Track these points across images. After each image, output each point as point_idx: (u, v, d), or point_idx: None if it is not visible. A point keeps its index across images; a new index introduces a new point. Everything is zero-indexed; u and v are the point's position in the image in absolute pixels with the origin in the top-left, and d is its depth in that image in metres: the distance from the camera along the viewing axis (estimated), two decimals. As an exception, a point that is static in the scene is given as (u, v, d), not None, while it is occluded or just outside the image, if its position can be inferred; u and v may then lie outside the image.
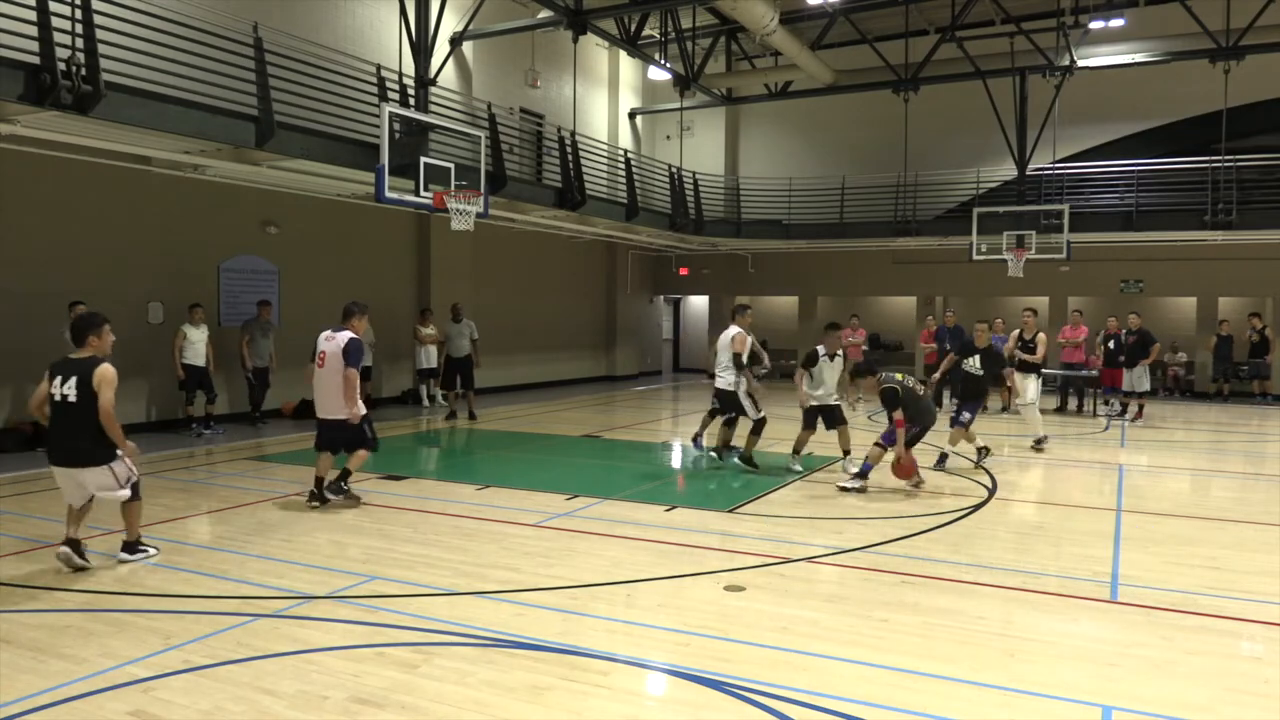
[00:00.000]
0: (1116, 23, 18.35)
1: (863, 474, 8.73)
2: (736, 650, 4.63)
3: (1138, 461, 10.99)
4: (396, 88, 12.71)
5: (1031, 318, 12.88)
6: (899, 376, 8.78)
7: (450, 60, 15.37)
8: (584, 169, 16.48)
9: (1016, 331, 12.83)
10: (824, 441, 11.22)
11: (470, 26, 15.01)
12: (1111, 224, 18.24)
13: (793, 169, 22.14)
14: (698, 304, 26.43)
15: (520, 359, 19.61)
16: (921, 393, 8.86)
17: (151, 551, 6.23)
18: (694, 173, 20.58)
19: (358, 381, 7.81)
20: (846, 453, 9.83)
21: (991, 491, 8.76)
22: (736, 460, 9.88)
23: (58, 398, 5.81)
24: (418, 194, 11.58)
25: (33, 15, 8.35)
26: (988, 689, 4.18)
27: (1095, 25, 17.91)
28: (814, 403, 9.79)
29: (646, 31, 18.62)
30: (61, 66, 8.32)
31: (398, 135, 11.56)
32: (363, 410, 7.93)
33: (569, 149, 15.93)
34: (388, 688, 4.13)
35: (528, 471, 9.96)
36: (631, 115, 23.05)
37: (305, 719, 3.85)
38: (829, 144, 22.61)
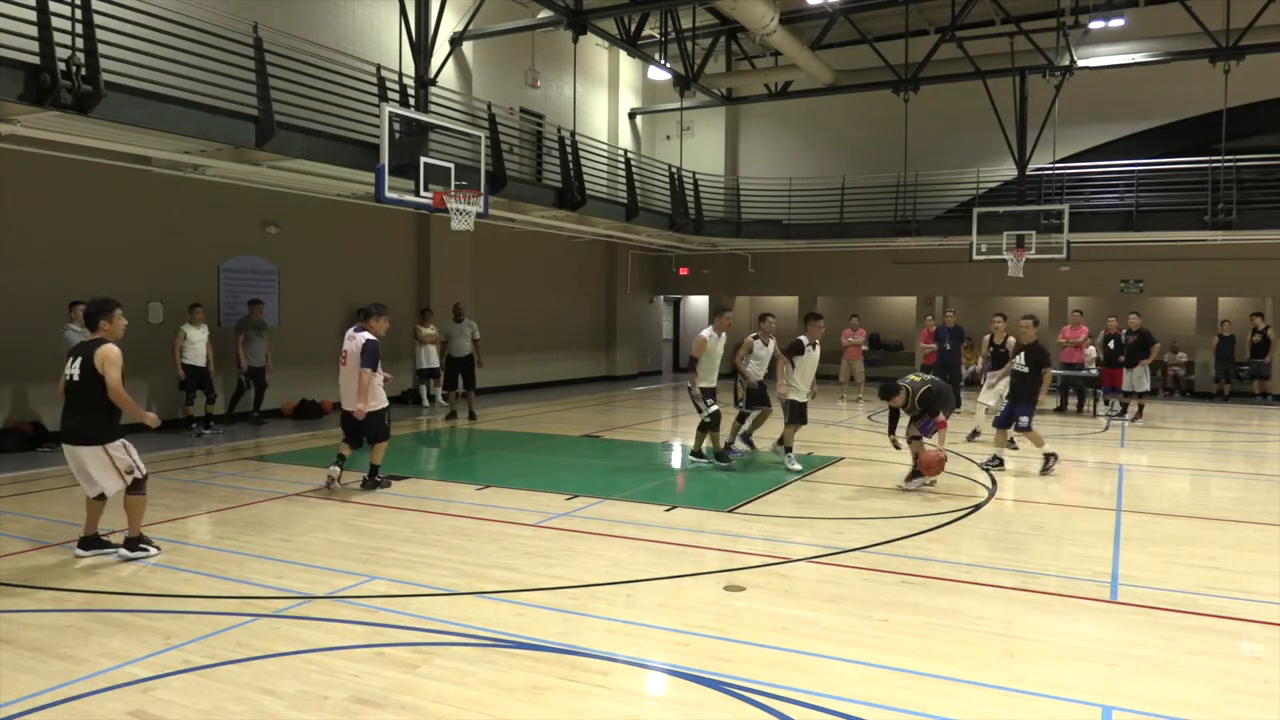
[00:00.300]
0: (1116, 23, 18.35)
1: (915, 474, 8.83)
2: (736, 650, 4.63)
3: (1138, 461, 10.99)
4: (396, 88, 12.71)
5: (1000, 323, 12.90)
6: (914, 378, 8.95)
7: (450, 60, 15.37)
8: (584, 169, 16.48)
9: (987, 337, 12.84)
10: (826, 442, 11.25)
11: (470, 26, 15.01)
12: (1111, 224, 18.24)
13: (793, 169, 22.14)
14: (698, 304, 26.42)
15: (520, 359, 19.61)
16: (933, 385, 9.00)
17: (153, 551, 6.23)
18: (694, 173, 20.58)
19: (370, 380, 8.40)
20: (789, 448, 10.00)
21: (991, 491, 8.77)
22: (712, 460, 10.09)
23: (67, 378, 6.03)
24: (418, 194, 11.58)
25: (33, 15, 8.35)
26: (988, 689, 4.18)
27: (1095, 25, 17.92)
28: (794, 396, 9.89)
29: (646, 31, 18.62)
30: (61, 66, 8.32)
31: (398, 135, 11.55)
32: (380, 404, 8.59)
33: (569, 149, 15.94)
34: (388, 688, 4.13)
35: (528, 471, 9.96)
36: (631, 115, 23.05)
37: (305, 719, 3.85)
38: (829, 144, 22.61)
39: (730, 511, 7.91)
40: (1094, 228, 18.19)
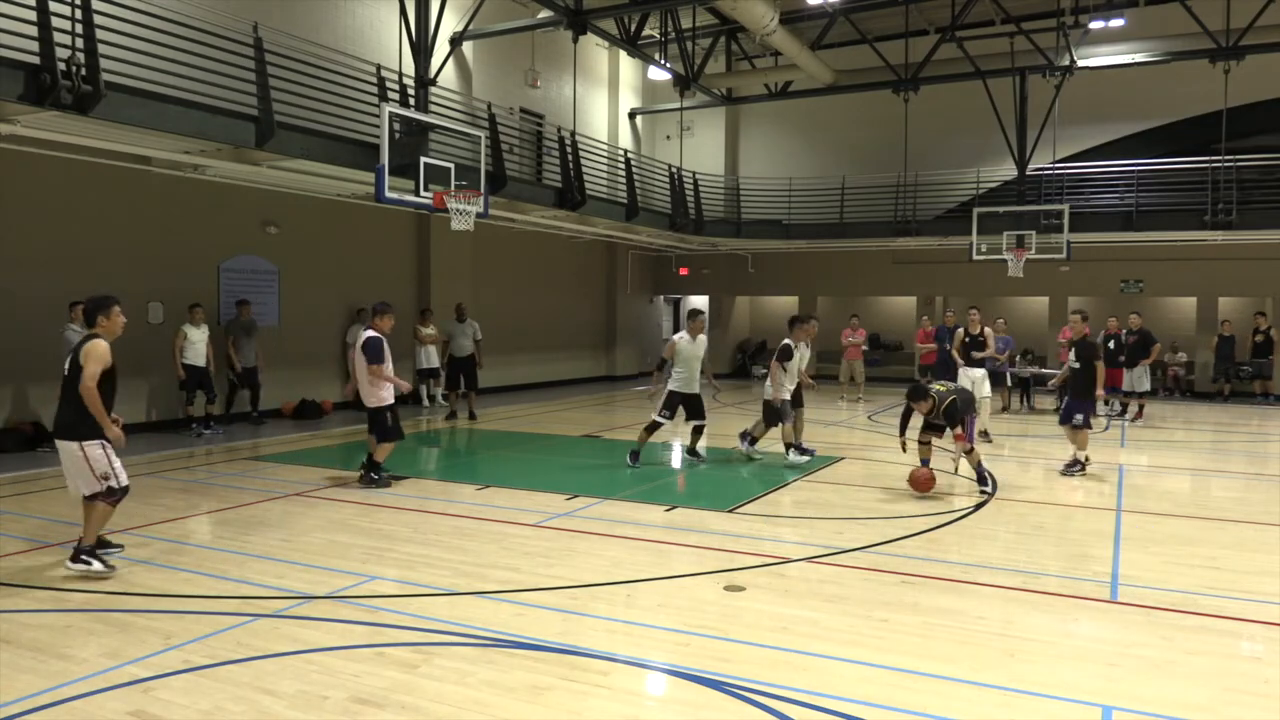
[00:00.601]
0: (1116, 23, 18.35)
1: (983, 478, 8.76)
2: (736, 650, 4.63)
3: (1138, 461, 10.99)
4: (396, 88, 12.71)
5: (976, 315, 12.93)
6: (940, 388, 8.92)
7: (450, 60, 15.37)
8: (584, 169, 16.48)
9: (961, 330, 12.86)
10: (826, 442, 11.25)
11: (470, 26, 15.01)
12: (1111, 224, 18.24)
13: (793, 169, 22.14)
14: (698, 304, 26.42)
15: (520, 359, 19.61)
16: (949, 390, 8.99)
17: (96, 566, 5.79)
18: (694, 173, 20.58)
19: (374, 373, 8.69)
20: (755, 440, 10.49)
21: (991, 491, 8.76)
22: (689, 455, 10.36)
23: (65, 374, 5.98)
24: (418, 194, 11.58)
25: (33, 15, 8.35)
26: (988, 689, 4.18)
27: (1095, 25, 17.92)
28: (786, 396, 10.18)
29: (646, 31, 18.62)
30: (61, 66, 8.32)
31: (398, 135, 11.56)
32: (379, 402, 8.77)
33: (569, 149, 15.94)
34: (388, 688, 4.13)
35: (528, 471, 9.96)
36: (631, 115, 23.05)
37: (305, 719, 3.85)
38: (829, 144, 22.61)
39: (730, 511, 7.91)
40: (1094, 228, 18.19)
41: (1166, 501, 8.67)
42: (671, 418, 10.11)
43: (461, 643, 4.73)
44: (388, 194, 11.07)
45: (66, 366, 5.90)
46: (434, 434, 13.28)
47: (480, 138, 12.88)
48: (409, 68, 13.16)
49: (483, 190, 12.54)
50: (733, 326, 25.02)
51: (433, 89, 13.41)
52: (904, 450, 9.07)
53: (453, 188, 11.99)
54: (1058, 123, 18.01)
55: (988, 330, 12.62)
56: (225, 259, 13.64)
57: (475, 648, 4.66)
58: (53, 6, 8.43)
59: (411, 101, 12.91)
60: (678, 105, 21.06)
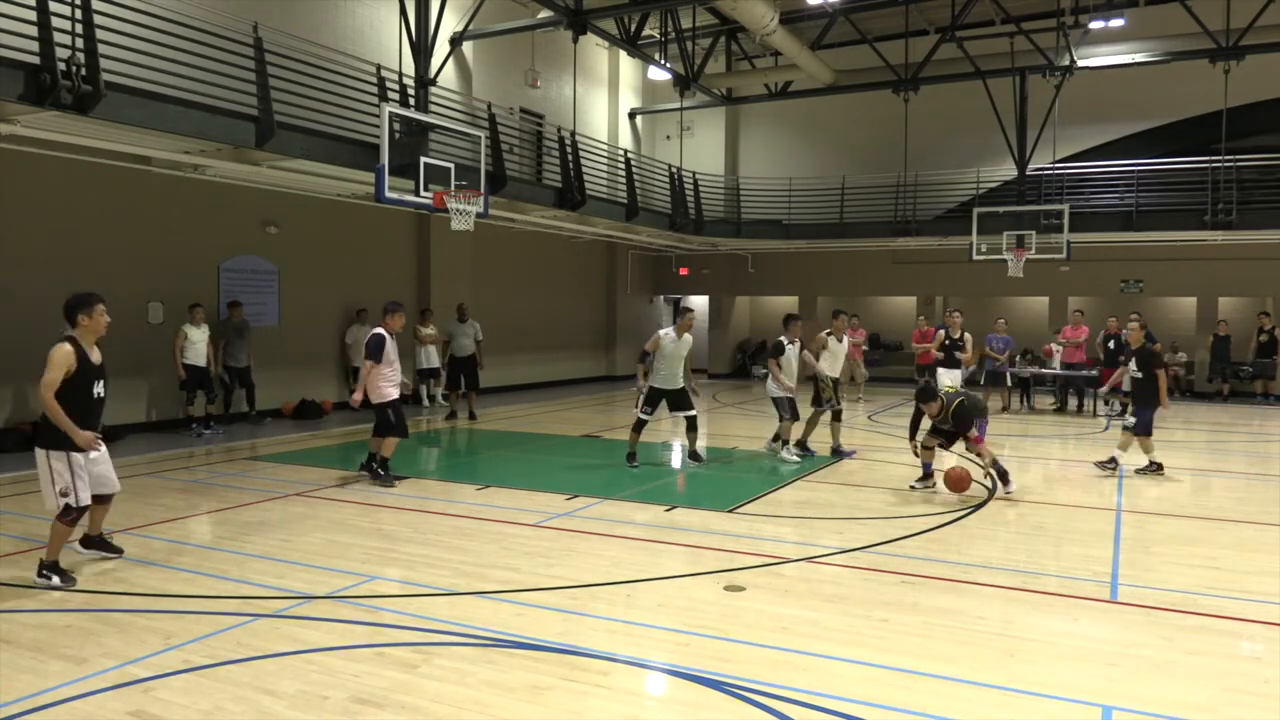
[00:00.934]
0: (1116, 23, 18.35)
1: (1005, 479, 8.61)
2: (736, 650, 4.63)
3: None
4: (396, 88, 12.71)
5: (957, 318, 12.98)
6: (949, 390, 8.93)
7: (450, 60, 15.37)
8: (584, 169, 16.48)
9: (941, 331, 12.89)
10: (827, 442, 11.22)
11: (470, 26, 15.01)
12: (1111, 224, 18.24)
13: (793, 169, 22.14)
14: (698, 304, 26.38)
15: (520, 359, 19.62)
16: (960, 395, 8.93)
17: (55, 580, 5.57)
18: (694, 173, 20.58)
19: (369, 370, 8.88)
20: (785, 441, 10.63)
21: (991, 491, 8.76)
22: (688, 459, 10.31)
23: None
24: (418, 194, 11.58)
25: (33, 15, 8.35)
26: (988, 689, 4.18)
27: (1095, 25, 17.92)
28: (781, 393, 10.39)
29: (646, 31, 18.62)
30: (61, 66, 8.32)
31: (398, 135, 11.56)
32: (380, 398, 8.89)
33: (569, 149, 15.94)
34: (388, 688, 4.13)
35: (528, 471, 9.96)
36: (631, 115, 23.05)
37: (305, 719, 3.85)
38: (829, 144, 22.61)
39: (730, 511, 7.91)
40: (1094, 228, 18.19)
41: (1166, 501, 8.67)
42: (653, 413, 10.07)
43: (461, 643, 4.73)
44: (388, 194, 11.07)
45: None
46: (434, 434, 13.28)
47: (480, 138, 12.89)
48: (409, 68, 13.16)
49: (483, 190, 12.54)
50: (733, 326, 25.02)
51: (433, 89, 13.41)
52: (916, 455, 9.01)
53: (453, 188, 11.99)
54: (1058, 123, 18.01)
55: (968, 335, 12.72)
56: (225, 259, 13.64)
57: (475, 648, 4.66)
58: (53, 6, 8.43)
59: (411, 101, 12.91)
60: (678, 105, 21.06)
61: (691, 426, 10.19)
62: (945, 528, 7.33)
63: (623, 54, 19.92)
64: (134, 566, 6.04)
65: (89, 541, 6.13)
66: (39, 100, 8.35)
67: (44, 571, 5.63)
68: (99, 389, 5.72)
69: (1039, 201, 18.33)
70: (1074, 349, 15.91)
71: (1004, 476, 8.61)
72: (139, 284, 12.30)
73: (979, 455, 8.85)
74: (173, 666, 4.35)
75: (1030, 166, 18.61)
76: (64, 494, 5.54)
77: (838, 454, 10.76)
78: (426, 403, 16.30)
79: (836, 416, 10.93)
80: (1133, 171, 18.32)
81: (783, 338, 10.50)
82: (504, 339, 18.24)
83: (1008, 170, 19.06)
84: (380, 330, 8.95)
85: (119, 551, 6.18)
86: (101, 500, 5.99)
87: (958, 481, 8.35)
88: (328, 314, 15.31)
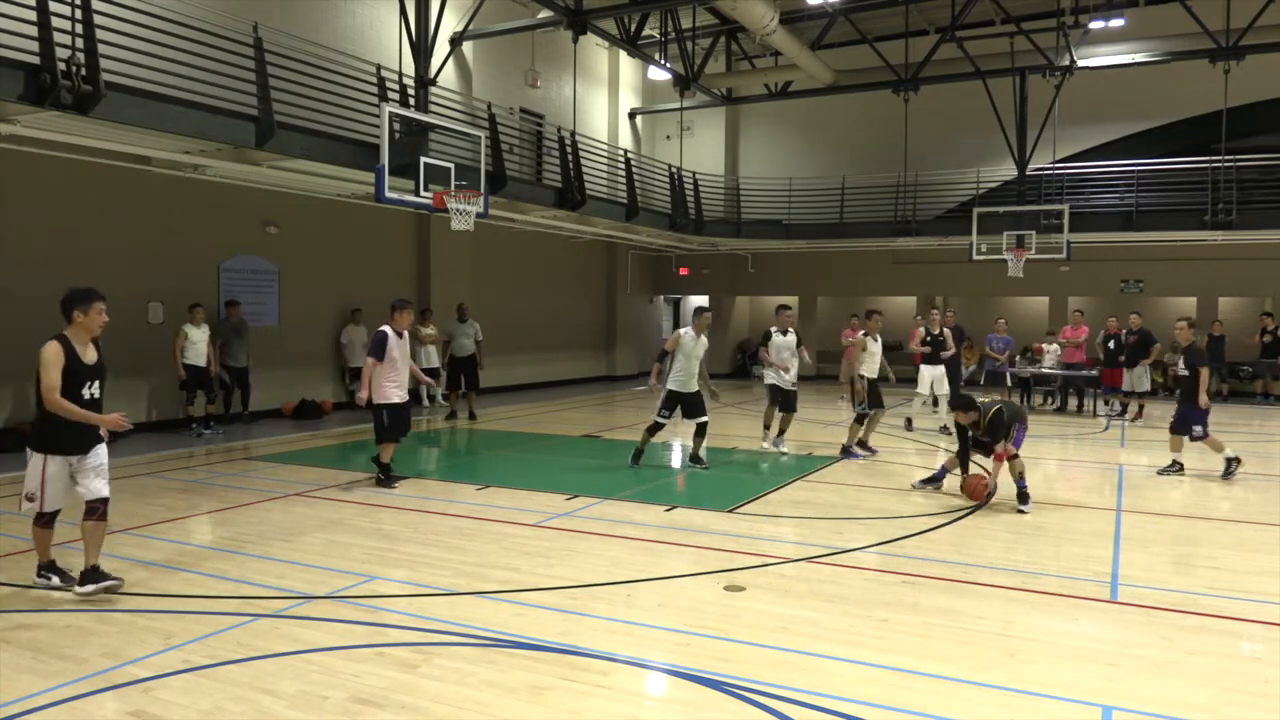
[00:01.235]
0: (1116, 23, 18.35)
1: (1025, 496, 8.03)
2: (736, 650, 4.63)
3: (1138, 461, 10.98)
4: (396, 88, 12.71)
5: (936, 316, 13.06)
6: (985, 400, 8.40)
7: (450, 60, 15.37)
8: (584, 169, 16.48)
9: (921, 329, 12.92)
10: (827, 442, 11.24)
11: (470, 26, 15.01)
12: (1111, 224, 18.24)
13: (793, 169, 22.14)
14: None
15: (520, 359, 19.61)
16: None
17: (55, 580, 5.48)
18: (694, 173, 20.58)
19: (370, 369, 8.71)
20: (782, 433, 11.07)
21: (991, 491, 8.74)
22: (689, 461, 10.25)
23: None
24: (418, 194, 11.58)
25: (33, 15, 8.35)
26: (988, 689, 4.18)
27: (1095, 25, 17.92)
28: (773, 380, 10.89)
29: (646, 31, 18.62)
30: (61, 66, 8.32)
31: (398, 135, 11.55)
32: (385, 398, 8.77)
33: (569, 149, 15.94)
34: (388, 688, 4.13)
35: (528, 471, 9.96)
36: (631, 115, 23.05)
37: (305, 719, 3.85)
38: (829, 144, 22.61)
39: (730, 511, 7.91)
40: (1094, 228, 18.19)
41: (1166, 501, 8.67)
42: (670, 417, 10.07)
43: (461, 643, 4.73)
44: (388, 194, 11.07)
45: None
46: (434, 434, 13.28)
47: (480, 138, 12.88)
48: (409, 68, 13.16)
49: (483, 190, 12.54)
50: (733, 326, 25.01)
51: (433, 89, 13.41)
52: (960, 474, 8.49)
53: (453, 188, 11.99)
54: (1058, 123, 18.01)
55: (947, 331, 12.84)
56: (225, 259, 13.64)
57: (475, 648, 4.66)
58: (53, 6, 8.43)
59: (411, 101, 12.91)
60: (678, 105, 21.06)
61: (700, 432, 10.09)
62: (945, 528, 7.33)
63: (623, 54, 19.92)
64: (134, 566, 6.04)
65: (87, 577, 5.44)
66: (39, 100, 8.35)
67: (43, 572, 5.61)
68: (91, 390, 5.42)
69: (1039, 201, 18.33)
70: (1074, 349, 15.91)
71: (1023, 497, 8.00)
72: (139, 284, 12.30)
73: (1010, 461, 8.13)
74: (173, 666, 4.35)
75: (1030, 166, 18.62)
76: (29, 498, 5.36)
77: (846, 453, 10.79)
78: (426, 403, 16.30)
79: (859, 419, 10.93)
80: (1133, 171, 18.32)
81: (773, 327, 10.98)
82: (504, 339, 18.24)
83: (1008, 170, 19.06)
84: (385, 328, 8.82)
85: (118, 580, 5.53)
86: (92, 514, 5.41)
87: (977, 490, 8.14)
88: (327, 314, 15.30)
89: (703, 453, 10.19)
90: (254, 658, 4.47)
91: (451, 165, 12.12)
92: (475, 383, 14.44)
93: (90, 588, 5.37)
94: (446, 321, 14.94)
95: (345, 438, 12.44)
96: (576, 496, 8.38)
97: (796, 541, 6.92)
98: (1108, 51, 18.34)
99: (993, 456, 8.18)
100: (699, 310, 10.53)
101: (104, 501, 5.46)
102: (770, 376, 10.96)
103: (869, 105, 20.96)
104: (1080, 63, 17.74)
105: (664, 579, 5.90)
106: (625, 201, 18.10)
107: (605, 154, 18.98)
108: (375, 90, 12.08)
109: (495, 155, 13.80)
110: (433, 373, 15.81)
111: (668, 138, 23.17)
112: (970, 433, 8.29)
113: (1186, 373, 9.95)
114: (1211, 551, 6.71)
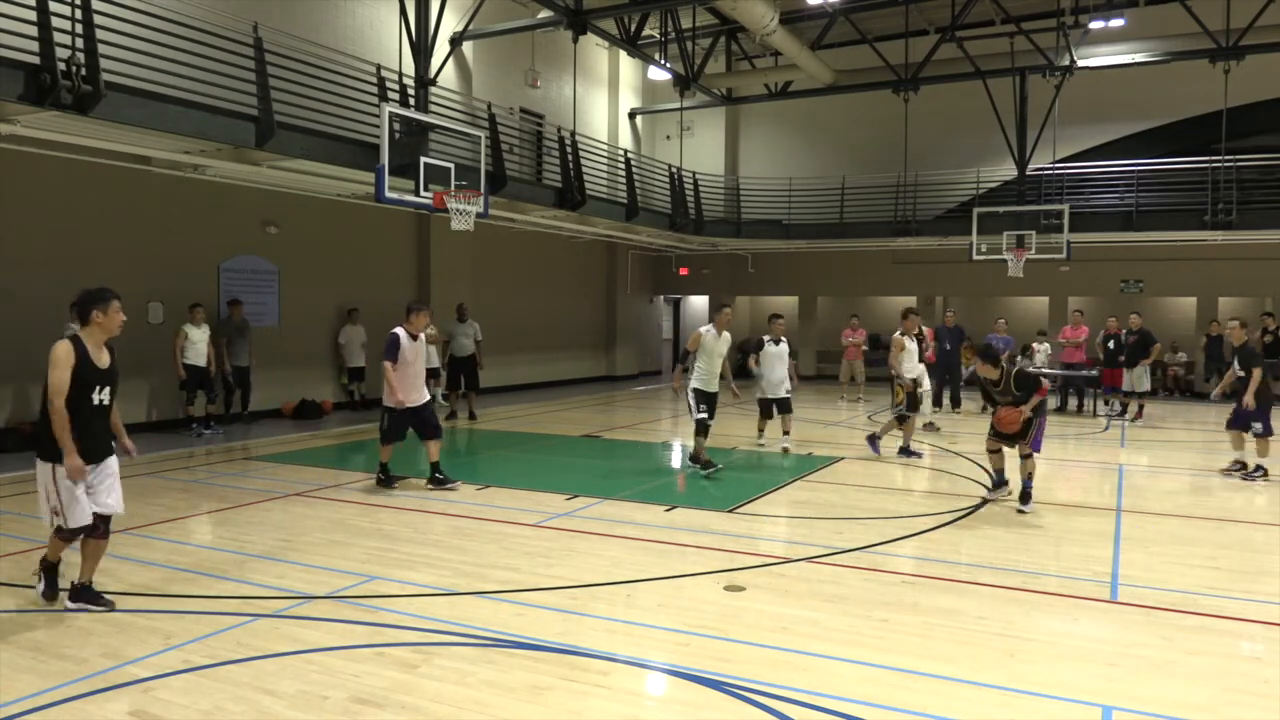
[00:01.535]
0: (1116, 23, 18.35)
1: (1026, 499, 7.95)
2: (736, 650, 4.63)
3: (1138, 461, 10.99)
4: (396, 88, 12.71)
5: (916, 319, 12.97)
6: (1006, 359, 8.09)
7: (450, 60, 15.37)
8: (584, 169, 16.48)
9: (898, 332, 12.89)
10: (826, 441, 11.25)
11: (470, 26, 15.01)
12: (1111, 224, 18.24)
13: (793, 169, 22.14)
14: (698, 304, 26.42)
15: (520, 359, 19.61)
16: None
17: (94, 609, 5.15)
18: (694, 173, 20.58)
19: (389, 372, 8.56)
20: (786, 433, 11.39)
21: (990, 495, 8.74)
22: (689, 462, 10.14)
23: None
24: (418, 194, 11.58)
25: (33, 15, 8.35)
26: (988, 689, 4.18)
27: (1095, 25, 17.93)
28: (766, 395, 11.26)
29: (646, 31, 18.62)
30: (61, 66, 8.32)
31: (398, 135, 11.55)
32: (389, 401, 8.67)
33: (569, 149, 15.93)
34: (388, 688, 4.13)
35: (528, 471, 9.96)
36: (631, 115, 23.05)
37: (305, 719, 3.85)
38: (829, 144, 22.61)
39: (730, 511, 7.91)
40: (1094, 228, 18.19)
41: (1166, 501, 8.67)
42: (709, 413, 9.82)
43: (461, 643, 4.73)
44: (388, 194, 11.06)
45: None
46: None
47: (480, 138, 12.88)
48: (409, 68, 13.16)
49: (483, 190, 12.54)
50: (733, 326, 24.98)
51: (433, 89, 13.40)
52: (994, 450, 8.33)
53: (453, 188, 11.98)
54: (1058, 123, 18.01)
55: (926, 329, 12.93)
56: (225, 259, 13.64)
57: (475, 648, 4.66)
58: (53, 6, 8.43)
59: (411, 101, 12.91)
60: (678, 105, 21.06)
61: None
62: (945, 528, 7.33)
63: (623, 54, 19.92)
64: (134, 566, 6.04)
65: (76, 594, 5.21)
66: (39, 100, 8.35)
67: (41, 571, 5.40)
68: (101, 396, 5.12)
69: (1039, 201, 18.33)
70: (1074, 349, 15.91)
71: (1026, 497, 7.94)
72: (139, 284, 12.28)
73: (1021, 467, 8.05)
74: (173, 666, 4.35)
75: (1030, 166, 18.61)
76: (55, 512, 5.02)
77: (872, 442, 10.93)
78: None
79: (900, 420, 10.81)
80: (1133, 171, 18.32)
81: (765, 336, 11.24)
82: (504, 339, 18.24)
83: (1008, 170, 19.06)
84: (398, 330, 8.60)
85: (109, 604, 5.21)
86: (93, 531, 5.15)
87: (1010, 420, 7.89)
88: (327, 314, 15.30)
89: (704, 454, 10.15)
90: (254, 658, 4.47)
91: (451, 165, 12.11)
92: (475, 383, 14.44)
93: (75, 607, 5.14)
94: (446, 321, 14.92)
95: (345, 438, 12.43)
96: (576, 496, 8.38)
97: (796, 541, 6.92)
98: (1108, 51, 18.34)
99: (1022, 407, 7.87)
100: (719, 306, 10.49)
101: (107, 519, 5.22)
102: (758, 391, 11.15)
103: (869, 105, 20.96)
104: (1080, 63, 17.74)
105: (664, 579, 5.90)
106: (625, 201, 18.10)
107: (605, 154, 18.98)
108: (375, 90, 12.08)
109: (495, 155, 13.80)
110: (433, 373, 15.84)
111: (668, 138, 23.17)
112: (987, 389, 8.16)
113: (1242, 374, 9.82)
114: (1211, 551, 6.71)
